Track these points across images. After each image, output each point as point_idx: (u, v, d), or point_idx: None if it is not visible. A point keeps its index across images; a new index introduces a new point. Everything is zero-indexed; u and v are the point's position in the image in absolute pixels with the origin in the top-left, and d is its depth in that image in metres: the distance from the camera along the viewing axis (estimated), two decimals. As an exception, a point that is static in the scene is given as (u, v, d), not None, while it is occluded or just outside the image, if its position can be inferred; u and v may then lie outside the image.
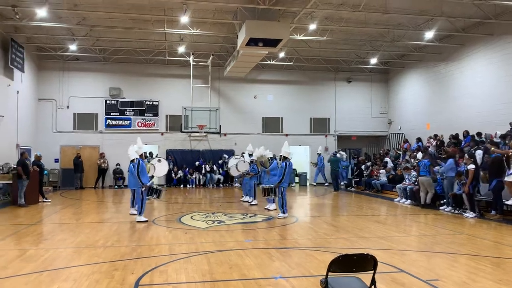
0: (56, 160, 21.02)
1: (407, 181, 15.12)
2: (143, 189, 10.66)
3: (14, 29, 17.23)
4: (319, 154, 21.98)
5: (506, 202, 11.03)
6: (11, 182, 14.33)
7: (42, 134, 20.81)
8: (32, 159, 16.10)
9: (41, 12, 14.31)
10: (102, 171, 20.96)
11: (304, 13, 14.79)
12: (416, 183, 14.25)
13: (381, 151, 22.27)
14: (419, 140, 19.47)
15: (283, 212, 11.24)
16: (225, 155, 21.75)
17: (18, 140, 17.95)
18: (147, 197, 11.21)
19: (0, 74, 16.39)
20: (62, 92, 21.33)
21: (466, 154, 12.28)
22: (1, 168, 15.30)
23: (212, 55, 20.70)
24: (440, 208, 12.69)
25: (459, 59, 18.27)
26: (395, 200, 15.32)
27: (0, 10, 15.29)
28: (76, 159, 20.39)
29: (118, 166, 21.23)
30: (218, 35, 18.11)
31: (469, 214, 11.35)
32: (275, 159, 13.12)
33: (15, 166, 14.08)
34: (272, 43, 15.02)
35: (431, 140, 18.54)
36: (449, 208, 12.42)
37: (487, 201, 11.69)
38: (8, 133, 16.94)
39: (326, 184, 22.18)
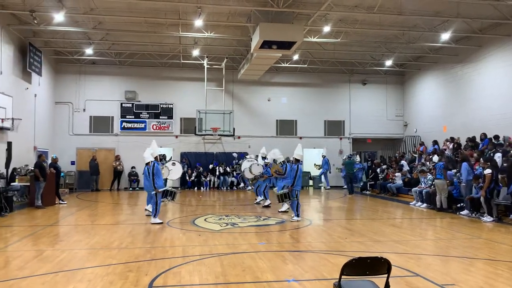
0: (73, 163, 21.31)
1: (423, 184, 14.93)
2: (152, 193, 10.74)
3: (32, 34, 17.56)
4: (324, 157, 21.84)
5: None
6: (29, 184, 14.58)
7: (58, 137, 21.14)
8: (49, 161, 16.36)
9: (58, 17, 14.55)
10: (117, 173, 21.18)
11: (318, 15, 14.75)
12: (432, 186, 14.08)
13: (396, 154, 22.05)
14: (435, 142, 19.20)
15: (297, 215, 11.20)
16: (234, 154, 21.65)
17: (35, 142, 18.27)
18: (162, 200, 11.28)
19: (18, 78, 16.71)
20: (78, 95, 21.64)
21: (481, 158, 12.06)
22: (19, 170, 15.59)
23: (226, 58, 20.80)
24: (461, 212, 12.45)
25: (476, 60, 18.00)
26: (410, 203, 15.14)
27: (18, 15, 15.65)
28: (92, 161, 20.65)
29: (133, 169, 21.42)
30: (232, 38, 18.19)
31: (487, 218, 11.14)
32: (287, 162, 13.04)
33: (32, 168, 14.30)
34: (286, 45, 14.99)
35: (448, 142, 18.28)
36: (466, 212, 12.22)
37: (506, 205, 11.46)
38: (26, 135, 17.24)
39: (327, 187, 22.06)
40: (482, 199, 11.36)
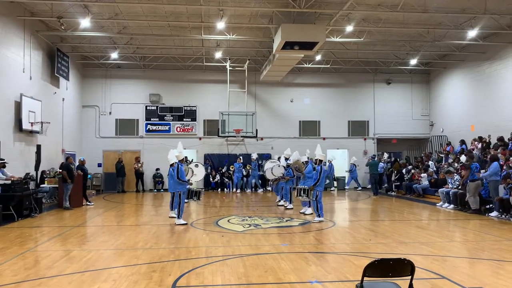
0: (99, 165, 21.76)
1: (450, 185, 14.60)
2: (187, 187, 10.87)
3: (59, 39, 18.04)
4: (353, 164, 21.84)
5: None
6: (57, 186, 14.96)
7: (85, 140, 21.64)
8: (77, 163, 16.75)
9: (85, 23, 14.91)
10: (139, 175, 21.41)
11: (340, 15, 14.64)
12: (460, 187, 13.77)
13: (422, 154, 21.63)
14: (462, 142, 18.76)
15: (318, 216, 11.13)
16: (253, 156, 21.29)
17: (63, 145, 18.74)
18: (187, 200, 11.39)
19: (46, 83, 17.19)
20: (104, 99, 22.09)
21: (511, 158, 11.71)
22: (48, 172, 16.02)
23: (248, 59, 20.87)
24: (490, 214, 12.11)
25: (505, 57, 17.50)
26: (437, 204, 14.83)
27: (46, 21, 16.11)
28: (118, 163, 21.00)
29: (158, 171, 21.70)
30: (254, 40, 18.24)
31: (518, 219, 10.83)
32: (311, 162, 13.00)
33: (60, 170, 14.68)
34: (308, 46, 14.90)
35: (476, 142, 17.82)
36: (496, 213, 11.88)
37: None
38: (55, 138, 17.71)
39: (359, 188, 22.16)
40: (508, 196, 11.02)
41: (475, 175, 12.73)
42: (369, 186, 22.13)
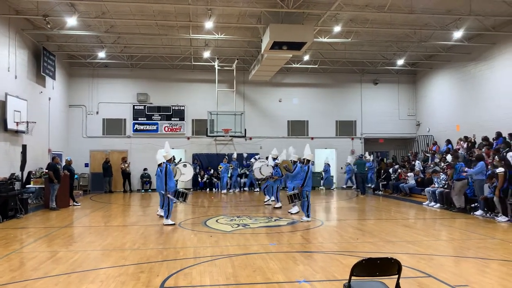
0: (86, 165, 21.56)
1: (436, 184, 14.78)
2: (166, 195, 10.82)
3: (45, 38, 17.83)
4: (348, 164, 21.98)
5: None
6: (43, 186, 14.79)
7: (72, 139, 21.42)
8: (63, 163, 16.57)
9: (71, 21, 14.76)
10: (125, 175, 21.27)
11: (328, 16, 14.71)
12: (445, 186, 13.96)
13: (409, 154, 21.85)
14: (448, 142, 18.99)
15: (307, 216, 11.18)
16: (234, 155, 21.33)
17: (50, 145, 18.52)
18: (174, 201, 11.36)
19: (32, 82, 16.97)
20: (91, 98, 21.89)
21: (496, 156, 11.90)
22: (34, 172, 15.83)
23: (237, 59, 20.85)
24: (475, 212, 12.28)
25: (490, 58, 17.76)
26: (424, 203, 15.00)
27: (32, 20, 15.91)
28: (104, 163, 20.82)
29: (145, 171, 21.58)
30: (243, 40, 18.24)
31: (501, 218, 10.99)
32: (299, 162, 13.03)
33: (47, 170, 14.52)
34: (296, 46, 14.96)
35: (461, 142, 18.06)
36: (481, 212, 12.06)
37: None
38: (41, 138, 17.49)
39: (353, 187, 22.24)
40: (495, 198, 11.21)
41: (461, 175, 12.89)
42: (344, 186, 22.42)
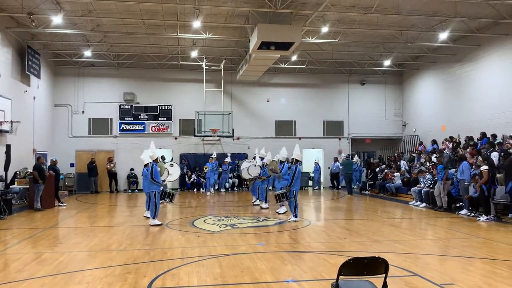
0: (72, 165, 21.31)
1: (422, 184, 14.94)
2: (159, 188, 10.80)
3: (30, 36, 17.58)
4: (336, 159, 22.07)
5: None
6: (28, 186, 14.57)
7: (58, 139, 21.15)
8: (48, 164, 16.35)
9: (57, 19, 14.57)
10: (112, 175, 21.09)
11: (316, 16, 14.76)
12: (431, 186, 14.13)
13: (396, 154, 22.06)
14: (434, 142, 19.23)
15: (295, 216, 11.21)
16: (214, 154, 20.63)
17: (34, 145, 18.26)
18: (160, 201, 11.30)
19: (17, 80, 16.71)
20: (77, 98, 21.65)
21: (479, 157, 12.08)
22: (18, 173, 15.59)
23: (225, 59, 20.81)
24: (460, 212, 12.45)
25: (475, 59, 18.02)
26: (410, 203, 15.16)
27: (16, 17, 15.66)
28: (90, 163, 20.59)
29: (132, 171, 21.41)
30: (231, 39, 18.21)
31: (482, 218, 11.17)
32: (287, 162, 13.04)
33: (31, 171, 14.31)
34: (284, 46, 14.99)
35: (447, 142, 18.29)
36: (465, 211, 12.23)
37: (505, 204, 11.48)
38: (25, 138, 17.23)
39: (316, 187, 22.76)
40: (477, 194, 11.40)
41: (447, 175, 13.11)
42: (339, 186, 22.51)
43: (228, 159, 20.97)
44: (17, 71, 16.73)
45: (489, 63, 17.20)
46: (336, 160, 21.58)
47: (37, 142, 18.56)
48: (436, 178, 13.90)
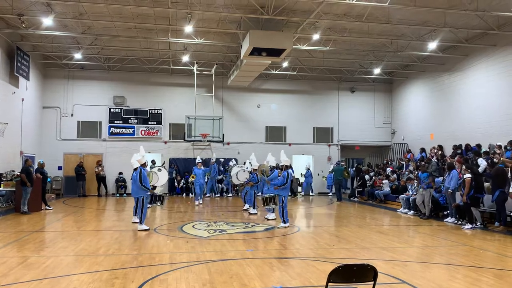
0: (60, 168, 21.09)
1: (410, 192, 15.06)
2: (147, 194, 10.75)
3: (20, 38, 17.43)
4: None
5: (510, 214, 10.96)
6: (15, 189, 14.38)
7: (46, 142, 20.93)
8: (36, 166, 16.16)
9: (47, 21, 14.47)
10: (100, 179, 20.92)
11: (307, 23, 14.88)
12: (415, 194, 14.28)
13: (385, 161, 22.22)
14: (422, 150, 19.41)
15: (284, 222, 11.21)
16: (198, 159, 19.18)
17: (22, 147, 18.05)
18: (149, 205, 11.23)
19: (5, 82, 16.54)
20: (66, 100, 21.48)
21: (463, 165, 12.21)
22: (4, 175, 15.38)
23: (216, 64, 20.84)
24: (446, 220, 12.58)
25: (463, 69, 18.28)
26: (398, 210, 15.26)
27: (6, 18, 15.51)
28: (77, 167, 20.38)
29: (120, 175, 21.25)
30: (222, 45, 18.24)
31: (466, 226, 11.29)
32: (277, 169, 13.08)
33: (19, 173, 14.12)
34: (275, 52, 15.08)
35: (435, 150, 18.48)
36: (452, 219, 12.34)
37: (491, 212, 11.62)
38: (12, 140, 17.03)
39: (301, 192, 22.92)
40: (461, 203, 11.53)
41: (430, 184, 13.24)
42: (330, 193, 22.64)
43: (213, 159, 20.39)
44: (6, 72, 16.56)
45: (477, 73, 17.45)
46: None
47: (25, 144, 18.35)
48: (417, 188, 14.08)
